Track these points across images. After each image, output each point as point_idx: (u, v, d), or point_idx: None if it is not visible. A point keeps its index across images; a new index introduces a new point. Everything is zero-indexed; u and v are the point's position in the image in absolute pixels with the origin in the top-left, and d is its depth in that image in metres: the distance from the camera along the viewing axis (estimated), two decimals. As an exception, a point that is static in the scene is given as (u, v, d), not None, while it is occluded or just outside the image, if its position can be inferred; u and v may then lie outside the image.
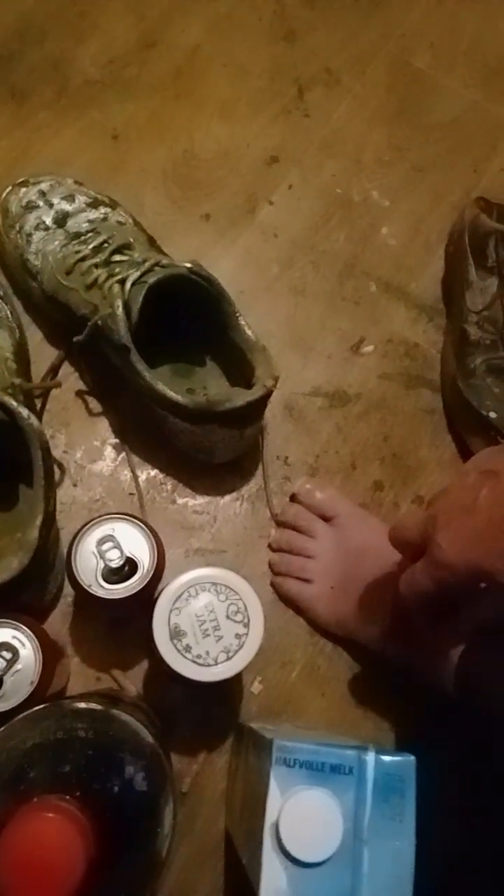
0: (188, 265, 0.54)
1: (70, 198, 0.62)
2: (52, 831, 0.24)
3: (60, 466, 0.59)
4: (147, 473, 0.61)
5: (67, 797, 0.26)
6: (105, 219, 0.62)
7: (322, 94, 0.76)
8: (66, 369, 0.62)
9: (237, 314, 0.55)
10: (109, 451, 0.61)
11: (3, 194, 0.63)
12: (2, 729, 0.34)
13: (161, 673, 0.52)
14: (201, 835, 0.52)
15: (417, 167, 0.73)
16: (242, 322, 0.55)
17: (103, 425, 0.62)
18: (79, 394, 0.62)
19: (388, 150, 0.74)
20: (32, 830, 0.24)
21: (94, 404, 0.62)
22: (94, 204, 0.62)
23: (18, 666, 0.45)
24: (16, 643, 0.46)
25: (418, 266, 0.69)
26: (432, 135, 0.75)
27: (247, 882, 0.38)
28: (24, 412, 0.49)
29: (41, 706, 0.33)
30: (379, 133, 0.75)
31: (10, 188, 0.63)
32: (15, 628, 0.46)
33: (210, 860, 0.52)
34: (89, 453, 0.61)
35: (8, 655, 0.45)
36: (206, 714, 0.55)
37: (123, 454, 0.61)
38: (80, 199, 0.62)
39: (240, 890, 0.51)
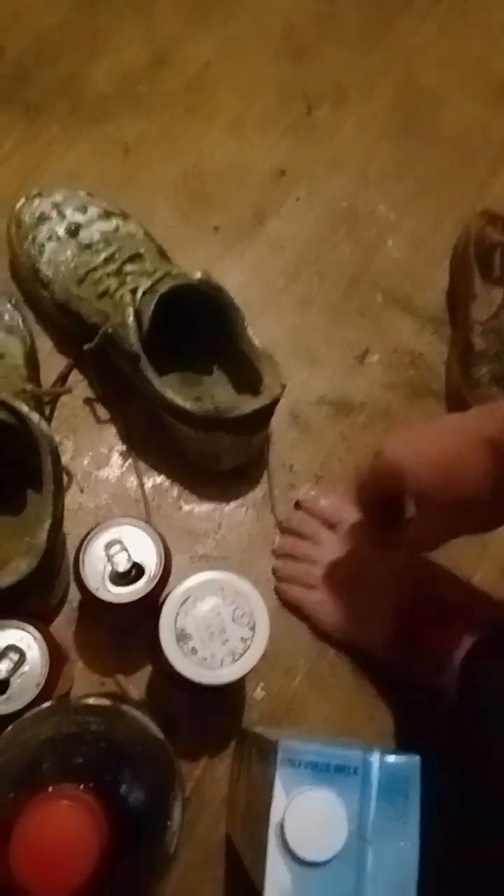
0: (198, 276, 0.55)
1: (82, 209, 0.63)
2: (67, 819, 0.25)
3: (68, 472, 0.60)
4: (153, 480, 0.62)
5: (81, 787, 0.26)
6: (116, 230, 0.63)
7: (330, 111, 0.77)
8: (75, 377, 0.63)
9: (245, 324, 0.56)
10: (116, 458, 0.62)
11: (17, 206, 0.64)
12: (11, 727, 0.34)
13: (164, 678, 0.52)
14: (203, 840, 0.52)
15: (423, 181, 0.75)
16: (250, 332, 0.56)
17: (110, 432, 0.63)
18: (87, 401, 0.63)
19: (394, 165, 0.75)
20: (48, 818, 0.25)
21: (102, 411, 0.63)
22: (106, 216, 0.63)
23: (25, 668, 0.45)
24: (23, 645, 0.46)
25: (423, 278, 0.71)
26: (438, 150, 0.76)
27: (248, 888, 0.38)
28: (35, 417, 0.50)
29: (51, 703, 0.33)
30: (386, 148, 0.76)
31: (23, 200, 0.64)
32: (22, 630, 0.46)
33: (211, 865, 0.52)
34: (96, 460, 0.62)
35: (15, 657, 0.45)
36: (209, 720, 0.55)
37: (130, 461, 0.62)
38: (93, 211, 0.63)
39: (241, 895, 0.51)
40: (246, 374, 0.57)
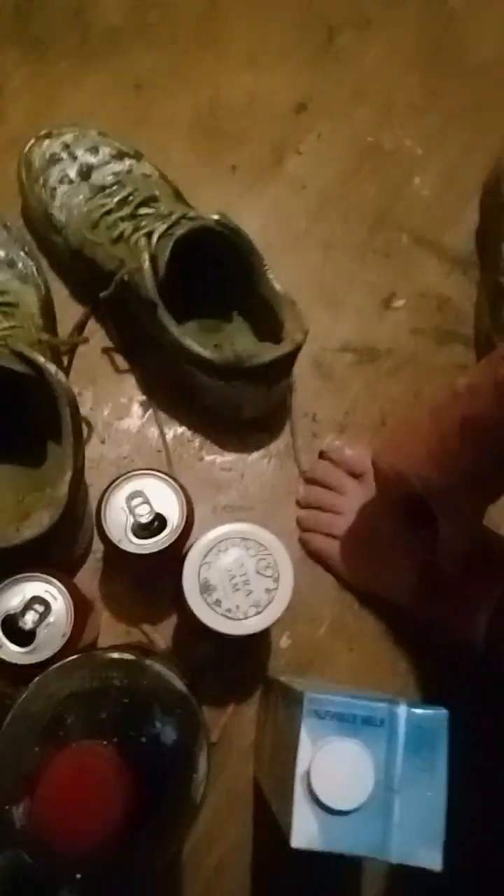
0: (216, 217, 0.53)
1: (94, 150, 0.61)
2: (91, 774, 0.25)
3: (88, 423, 0.59)
4: (174, 430, 0.61)
5: (104, 743, 0.26)
6: (130, 171, 0.60)
7: (353, 37, 0.73)
8: (93, 326, 0.62)
9: (265, 268, 0.54)
10: (136, 409, 0.61)
11: (27, 148, 0.62)
12: (37, 679, 0.34)
13: (190, 627, 0.52)
14: (230, 784, 0.53)
15: (452, 113, 0.71)
16: (271, 276, 0.54)
17: (130, 382, 0.62)
18: (105, 351, 0.62)
19: (421, 96, 0.71)
20: (71, 773, 0.25)
21: (121, 361, 0.62)
22: (119, 156, 0.61)
23: (51, 619, 0.45)
24: (48, 597, 0.46)
25: (452, 217, 0.67)
26: (468, 79, 0.72)
27: (276, 830, 0.39)
28: (52, 368, 0.49)
29: (76, 657, 0.33)
30: (412, 77, 0.72)
31: (33, 141, 0.62)
32: (47, 582, 0.46)
33: (239, 808, 0.53)
34: (116, 410, 0.61)
35: (40, 608, 0.46)
36: (235, 668, 0.55)
37: (151, 411, 0.61)
38: (105, 151, 0.61)
39: (268, 837, 0.52)
40: (267, 320, 0.56)
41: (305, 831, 0.35)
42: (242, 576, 0.44)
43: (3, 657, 0.44)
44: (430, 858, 0.34)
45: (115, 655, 0.33)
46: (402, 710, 0.36)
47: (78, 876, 0.27)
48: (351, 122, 0.70)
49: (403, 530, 0.54)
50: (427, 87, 0.71)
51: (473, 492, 0.44)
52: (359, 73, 0.72)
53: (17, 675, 0.45)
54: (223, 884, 0.52)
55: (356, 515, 0.56)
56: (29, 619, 0.45)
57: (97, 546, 0.56)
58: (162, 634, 0.56)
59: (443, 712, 0.36)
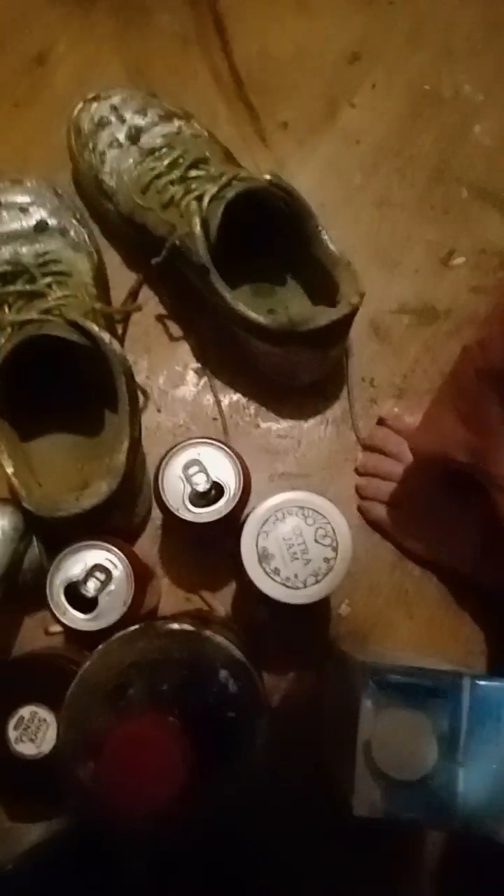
0: (267, 177, 0.52)
1: (142, 111, 0.60)
2: (153, 744, 0.25)
3: (144, 392, 0.59)
4: (230, 398, 0.60)
5: (165, 713, 0.27)
6: (179, 132, 0.59)
7: (407, -23, 0.69)
8: (146, 293, 0.62)
9: (319, 228, 0.53)
10: (192, 376, 0.61)
11: (75, 112, 0.61)
12: (100, 647, 0.35)
13: (249, 594, 0.52)
14: (290, 749, 0.53)
15: (516, 55, 0.67)
16: (325, 236, 0.53)
17: (184, 349, 0.61)
18: (159, 318, 0.62)
19: (482, 38, 0.67)
20: (133, 743, 0.25)
21: (175, 328, 0.62)
22: (168, 117, 0.60)
23: (112, 586, 0.46)
24: (109, 564, 0.47)
25: (516, 167, 0.64)
26: (533, 16, 0.67)
27: (337, 794, 0.39)
28: (107, 337, 0.49)
29: (136, 626, 0.34)
30: (471, 17, 0.68)
31: (81, 105, 0.61)
32: (107, 550, 0.47)
33: (298, 773, 0.53)
34: (172, 378, 0.61)
35: (102, 577, 0.46)
36: (294, 634, 0.55)
37: (206, 378, 0.60)
38: (153, 113, 0.60)
39: (329, 801, 0.52)
40: (321, 282, 0.54)
41: (367, 800, 0.35)
42: (300, 544, 0.44)
43: (68, 623, 0.46)
44: (496, 831, 0.34)
45: (175, 626, 0.33)
46: (466, 682, 0.36)
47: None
48: (407, 69, 0.67)
49: (459, 500, 0.52)
50: (487, 27, 0.67)
51: None
52: (414, 15, 0.68)
53: (81, 640, 0.46)
54: (280, 847, 0.52)
55: (411, 485, 0.55)
56: (91, 587, 0.46)
57: (156, 514, 0.57)
58: (221, 601, 0.56)
59: (509, 684, 0.36)
